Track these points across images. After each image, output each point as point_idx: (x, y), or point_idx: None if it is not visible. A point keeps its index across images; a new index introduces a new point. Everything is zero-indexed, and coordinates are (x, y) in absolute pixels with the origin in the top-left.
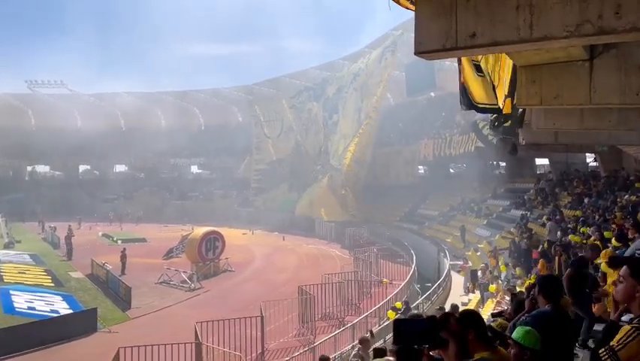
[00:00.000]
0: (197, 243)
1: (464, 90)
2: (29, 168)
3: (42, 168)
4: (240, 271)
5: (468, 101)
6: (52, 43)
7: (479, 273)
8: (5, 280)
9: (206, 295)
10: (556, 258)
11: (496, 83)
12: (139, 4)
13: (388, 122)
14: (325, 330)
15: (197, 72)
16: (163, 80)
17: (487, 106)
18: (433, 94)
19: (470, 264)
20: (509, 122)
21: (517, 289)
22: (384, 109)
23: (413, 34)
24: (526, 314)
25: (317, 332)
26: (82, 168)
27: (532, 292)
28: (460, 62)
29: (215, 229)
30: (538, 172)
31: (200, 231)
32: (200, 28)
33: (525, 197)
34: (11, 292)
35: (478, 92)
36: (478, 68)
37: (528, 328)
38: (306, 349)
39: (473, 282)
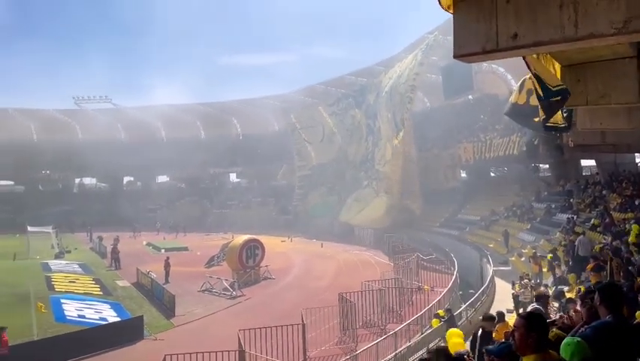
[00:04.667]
0: (238, 251)
1: (539, 79)
2: (77, 181)
3: (89, 180)
4: (280, 278)
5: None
6: (97, 60)
7: (519, 289)
8: (56, 289)
9: (248, 302)
10: (608, 263)
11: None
12: (175, 17)
13: (426, 126)
14: (367, 338)
15: (232, 83)
16: (201, 91)
17: (559, 88)
18: (470, 96)
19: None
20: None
21: (567, 295)
22: (420, 112)
23: (449, 37)
24: (585, 325)
25: (358, 339)
26: (126, 179)
27: (592, 301)
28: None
29: (255, 236)
30: (584, 174)
31: (240, 239)
32: (235, 39)
33: (571, 200)
34: (62, 300)
35: (547, 76)
36: None
37: (577, 339)
38: (348, 357)
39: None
